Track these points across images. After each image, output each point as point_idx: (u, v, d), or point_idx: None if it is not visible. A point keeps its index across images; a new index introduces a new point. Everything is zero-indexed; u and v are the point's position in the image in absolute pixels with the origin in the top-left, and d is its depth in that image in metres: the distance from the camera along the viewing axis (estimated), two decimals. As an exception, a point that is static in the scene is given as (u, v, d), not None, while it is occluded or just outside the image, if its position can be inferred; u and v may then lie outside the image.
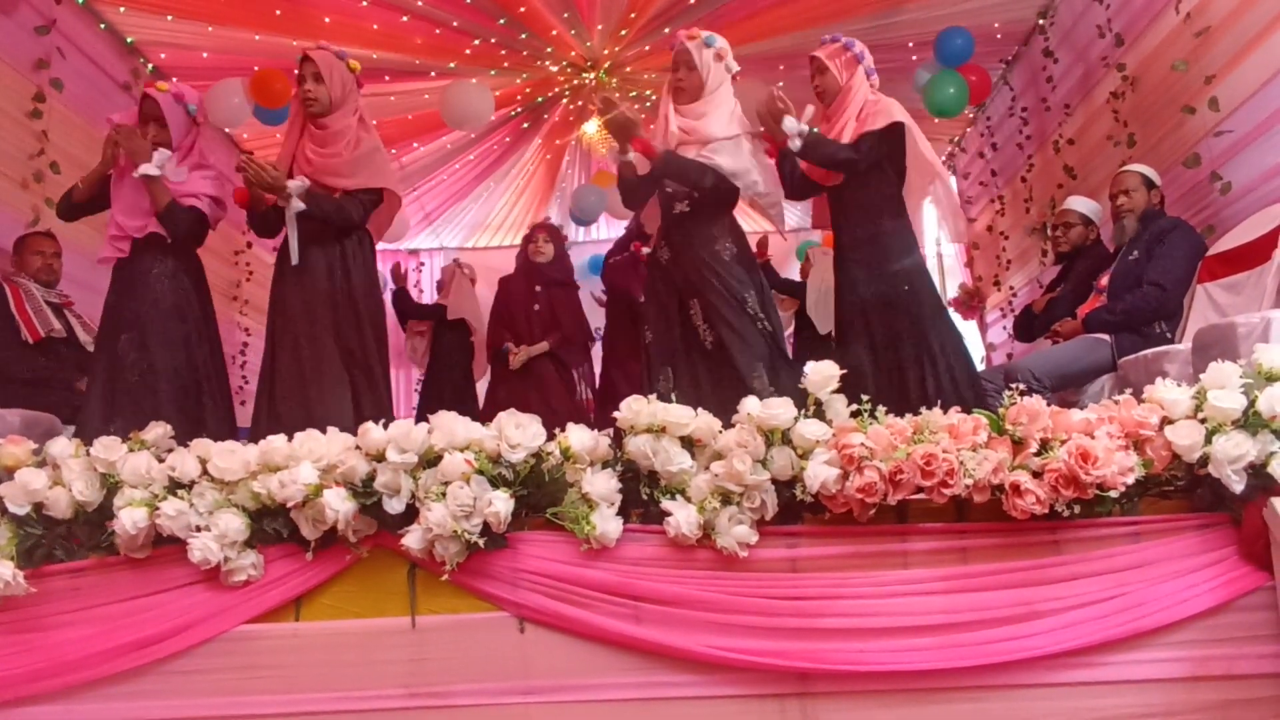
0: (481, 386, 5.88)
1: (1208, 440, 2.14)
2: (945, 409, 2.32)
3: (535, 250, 5.05)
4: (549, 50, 5.54)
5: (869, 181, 3.31)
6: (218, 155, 3.66)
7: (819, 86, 3.42)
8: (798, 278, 5.97)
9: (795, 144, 3.22)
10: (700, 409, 2.30)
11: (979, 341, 6.73)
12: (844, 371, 2.30)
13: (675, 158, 3.22)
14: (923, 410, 2.31)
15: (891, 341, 3.21)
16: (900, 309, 3.21)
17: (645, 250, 4.73)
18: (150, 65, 5.14)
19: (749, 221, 8.31)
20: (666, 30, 5.31)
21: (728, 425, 2.29)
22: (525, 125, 6.51)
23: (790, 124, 3.19)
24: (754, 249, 4.56)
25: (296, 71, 3.18)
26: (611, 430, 2.34)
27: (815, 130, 3.25)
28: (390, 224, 3.43)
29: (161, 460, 2.34)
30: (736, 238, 3.29)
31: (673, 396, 2.34)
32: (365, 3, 4.79)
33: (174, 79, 4.41)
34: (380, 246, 7.43)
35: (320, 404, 2.98)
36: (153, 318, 3.16)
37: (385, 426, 2.28)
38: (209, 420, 3.14)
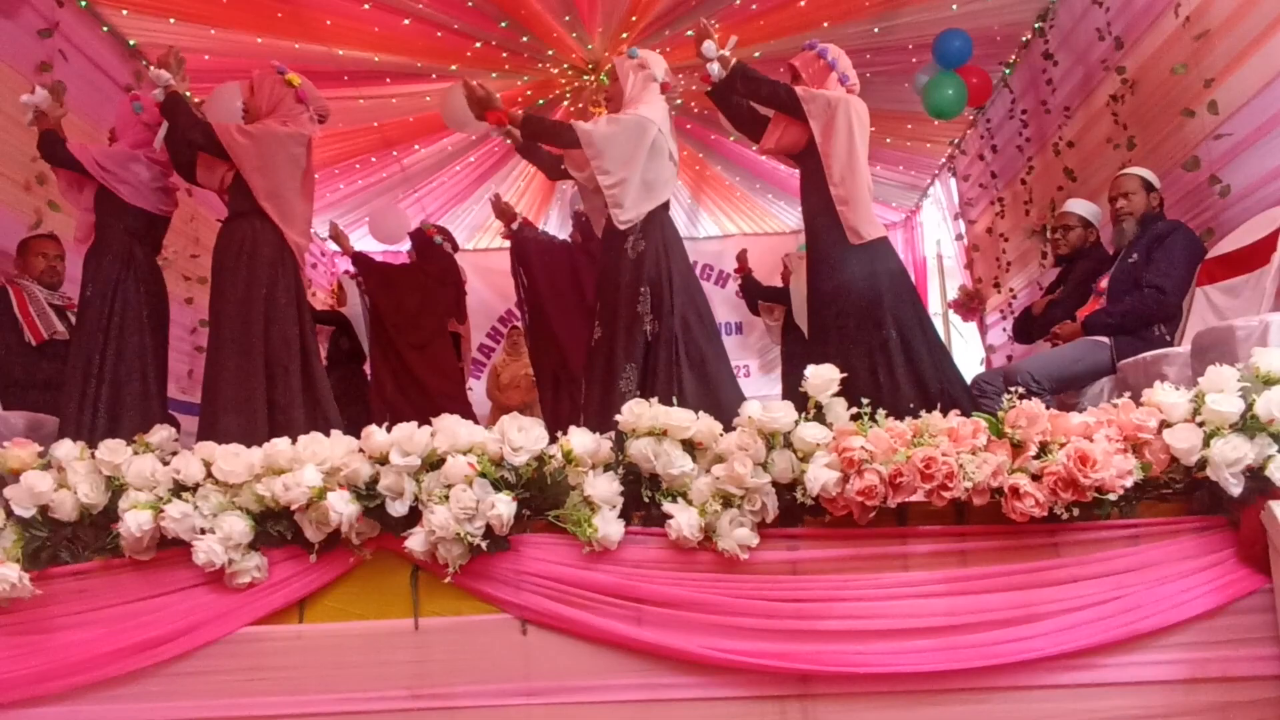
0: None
1: (1206, 443, 2.16)
2: (908, 402, 2.34)
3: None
4: (550, 53, 5.55)
5: (810, 171, 3.35)
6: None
7: None
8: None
9: (714, 69, 3.27)
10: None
11: (979, 343, 6.75)
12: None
13: (533, 118, 3.31)
14: (922, 412, 2.32)
15: (846, 332, 3.23)
16: (849, 301, 3.24)
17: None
18: (152, 68, 5.14)
19: (730, 224, 8.40)
20: (667, 32, 5.33)
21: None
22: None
23: (708, 48, 3.24)
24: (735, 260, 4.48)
25: None
26: (613, 433, 2.36)
27: (740, 62, 3.32)
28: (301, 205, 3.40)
29: (166, 463, 2.35)
30: (649, 234, 3.21)
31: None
32: (367, 6, 4.80)
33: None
34: (379, 249, 7.48)
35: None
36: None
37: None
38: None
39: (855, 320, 3.21)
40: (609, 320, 3.23)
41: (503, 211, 4.94)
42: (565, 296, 4.57)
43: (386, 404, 4.76)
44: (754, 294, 6.42)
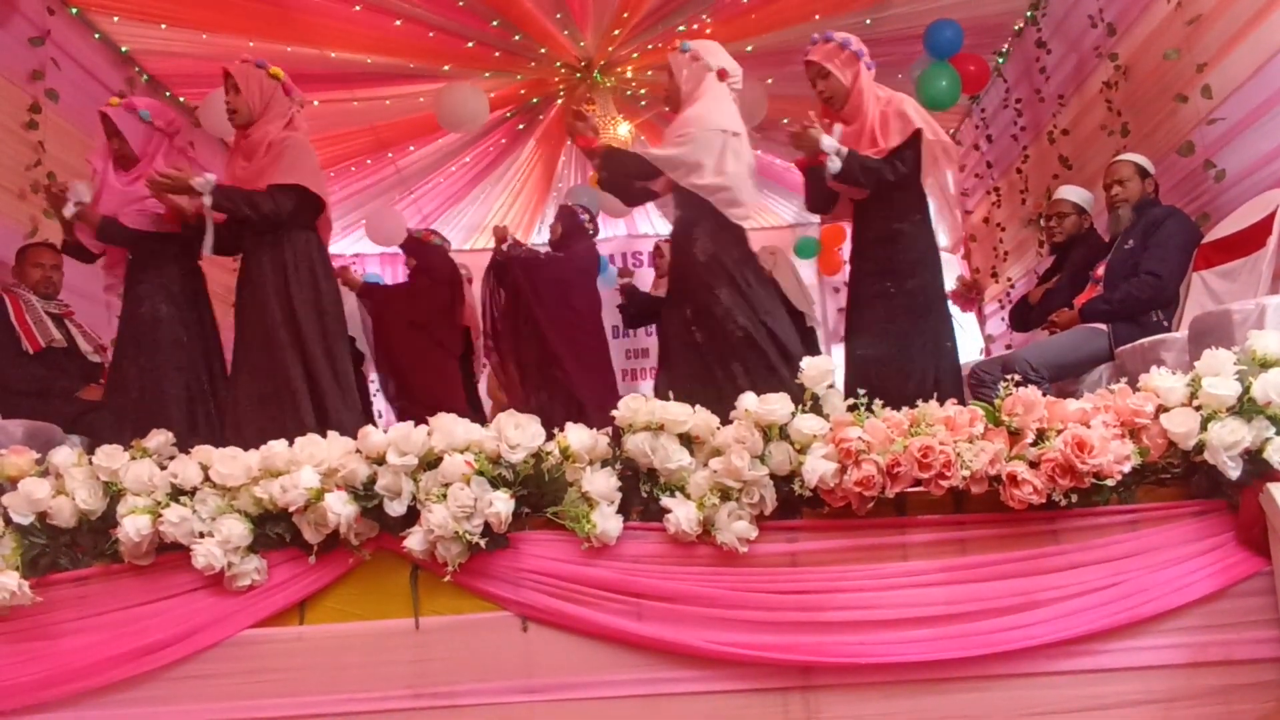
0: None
1: (1203, 427, 2.15)
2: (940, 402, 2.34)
3: None
4: (542, 51, 5.55)
5: (892, 187, 3.30)
6: (215, 164, 3.72)
7: (823, 91, 3.34)
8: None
9: (835, 164, 3.19)
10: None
11: (978, 333, 6.74)
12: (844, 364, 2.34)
13: (612, 151, 3.29)
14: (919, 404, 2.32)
15: (895, 335, 3.23)
16: (904, 304, 3.24)
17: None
18: (145, 74, 5.15)
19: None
20: (660, 28, 5.33)
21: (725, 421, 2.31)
22: (520, 127, 6.52)
23: (829, 143, 3.18)
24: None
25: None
26: (610, 429, 2.35)
27: (851, 151, 3.21)
28: (329, 227, 3.39)
29: (164, 467, 2.35)
30: (717, 237, 3.15)
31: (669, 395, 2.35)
32: (358, 8, 4.80)
33: (172, 88, 4.43)
34: (377, 250, 7.46)
35: (277, 424, 3.00)
36: (141, 338, 3.29)
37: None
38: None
39: (911, 321, 3.26)
40: (699, 323, 3.16)
41: (499, 235, 5.11)
42: (552, 307, 4.66)
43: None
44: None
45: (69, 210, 3.29)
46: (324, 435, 2.35)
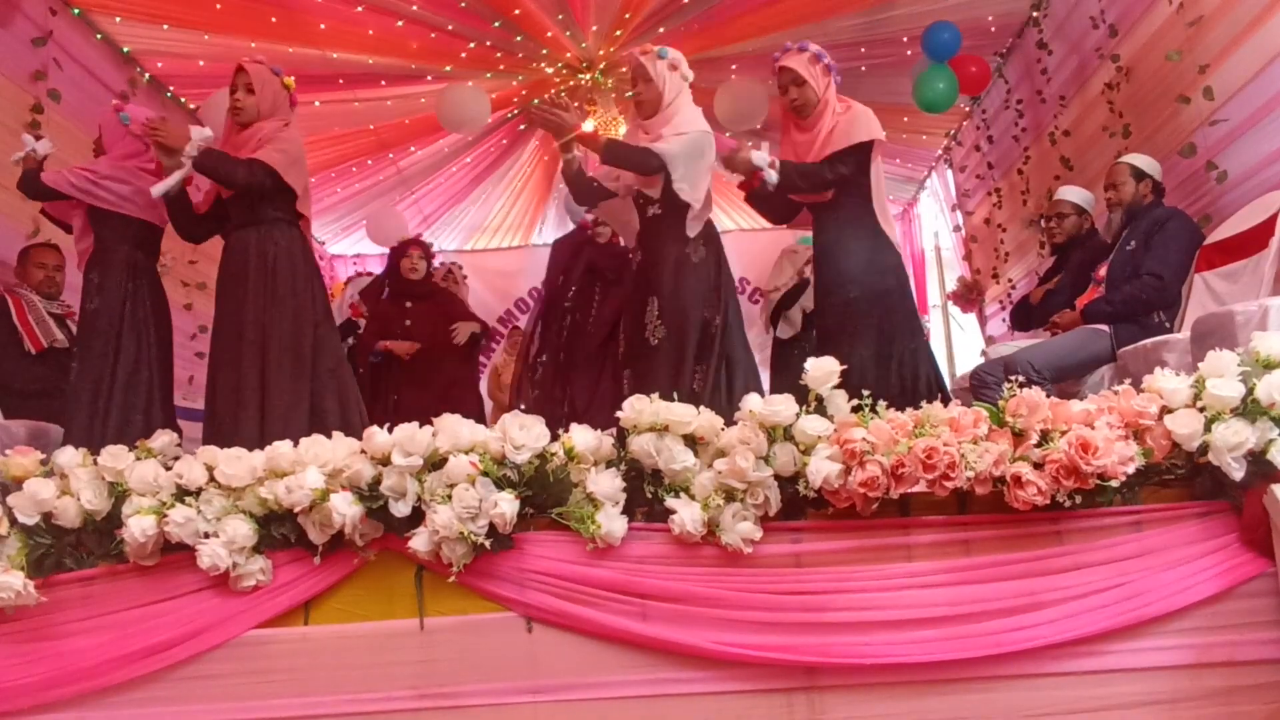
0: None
1: (1207, 428, 2.16)
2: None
3: (410, 267, 4.90)
4: (544, 52, 5.55)
5: (840, 194, 3.35)
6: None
7: (797, 100, 3.35)
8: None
9: (772, 176, 3.27)
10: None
11: (979, 334, 6.75)
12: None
13: (616, 143, 3.34)
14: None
15: (862, 341, 3.24)
16: (869, 312, 3.26)
17: (599, 228, 4.76)
18: (147, 75, 5.15)
19: (728, 220, 8.38)
20: (661, 29, 5.33)
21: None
22: (522, 127, 6.52)
23: (760, 157, 3.26)
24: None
25: (232, 81, 3.26)
26: (615, 430, 2.36)
27: (784, 161, 3.31)
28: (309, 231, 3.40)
29: (168, 468, 2.35)
30: (710, 242, 3.32)
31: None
32: (360, 8, 4.80)
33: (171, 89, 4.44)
34: (377, 250, 7.45)
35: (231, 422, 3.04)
36: (80, 332, 3.39)
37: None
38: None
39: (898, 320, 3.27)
40: (678, 324, 3.21)
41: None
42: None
43: None
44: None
45: (16, 155, 3.37)
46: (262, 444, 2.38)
